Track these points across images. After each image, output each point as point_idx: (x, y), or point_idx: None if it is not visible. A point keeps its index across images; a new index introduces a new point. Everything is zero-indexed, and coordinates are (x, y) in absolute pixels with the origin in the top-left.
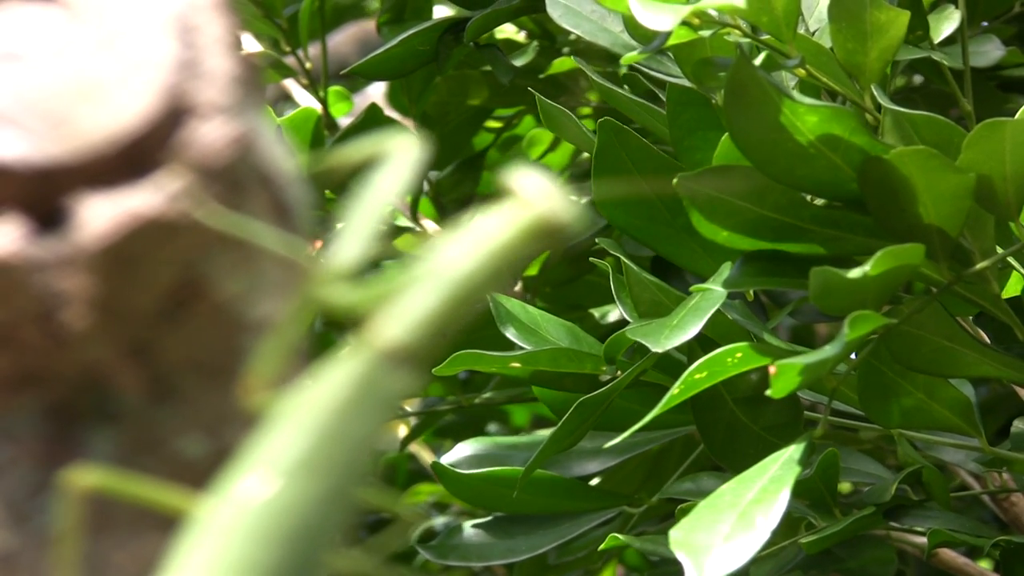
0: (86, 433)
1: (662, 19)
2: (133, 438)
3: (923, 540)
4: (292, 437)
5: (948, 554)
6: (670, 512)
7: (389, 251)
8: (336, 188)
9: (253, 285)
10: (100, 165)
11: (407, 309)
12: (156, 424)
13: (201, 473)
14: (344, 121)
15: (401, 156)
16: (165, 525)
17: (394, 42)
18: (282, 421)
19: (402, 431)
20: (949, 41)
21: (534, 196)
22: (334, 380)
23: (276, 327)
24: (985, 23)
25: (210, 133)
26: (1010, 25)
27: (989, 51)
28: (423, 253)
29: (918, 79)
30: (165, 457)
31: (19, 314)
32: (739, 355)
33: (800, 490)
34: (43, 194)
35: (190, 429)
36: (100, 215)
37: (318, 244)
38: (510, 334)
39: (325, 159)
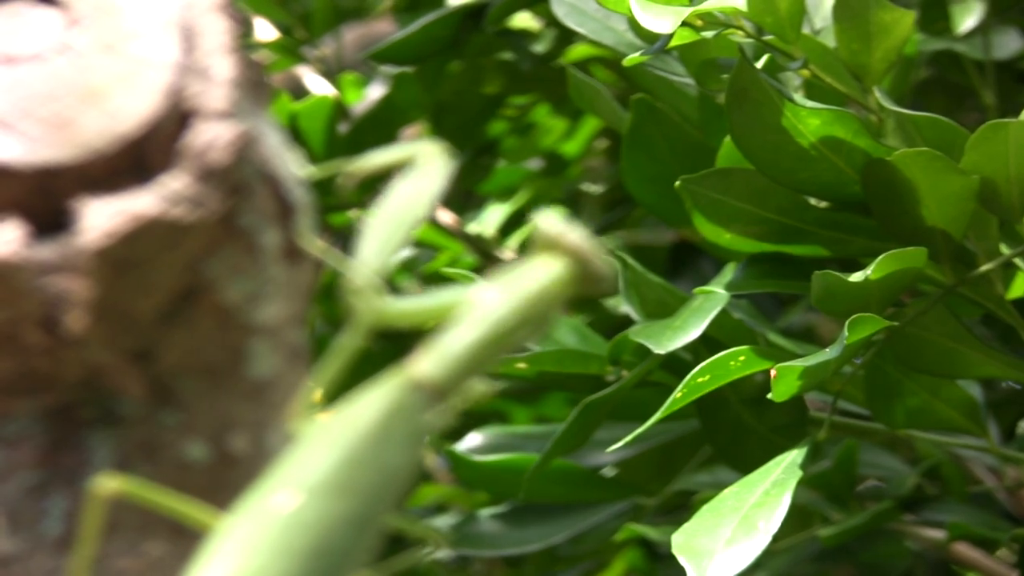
0: (87, 437)
1: (662, 21)
2: (134, 442)
3: (935, 534)
4: (319, 457)
5: (961, 547)
6: (684, 503)
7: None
8: (362, 188)
9: (257, 288)
10: (102, 167)
11: (444, 347)
12: (158, 428)
13: (203, 478)
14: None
15: (431, 167)
16: (171, 532)
17: (414, 27)
18: (312, 441)
19: None
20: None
21: (569, 246)
22: (366, 406)
23: (333, 351)
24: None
25: (212, 134)
26: (1018, 17)
27: (1008, 43)
28: (463, 290)
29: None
30: (166, 461)
31: (20, 316)
32: (742, 358)
33: (817, 483)
34: (46, 197)
35: (192, 433)
36: (102, 217)
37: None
38: None
39: (353, 163)
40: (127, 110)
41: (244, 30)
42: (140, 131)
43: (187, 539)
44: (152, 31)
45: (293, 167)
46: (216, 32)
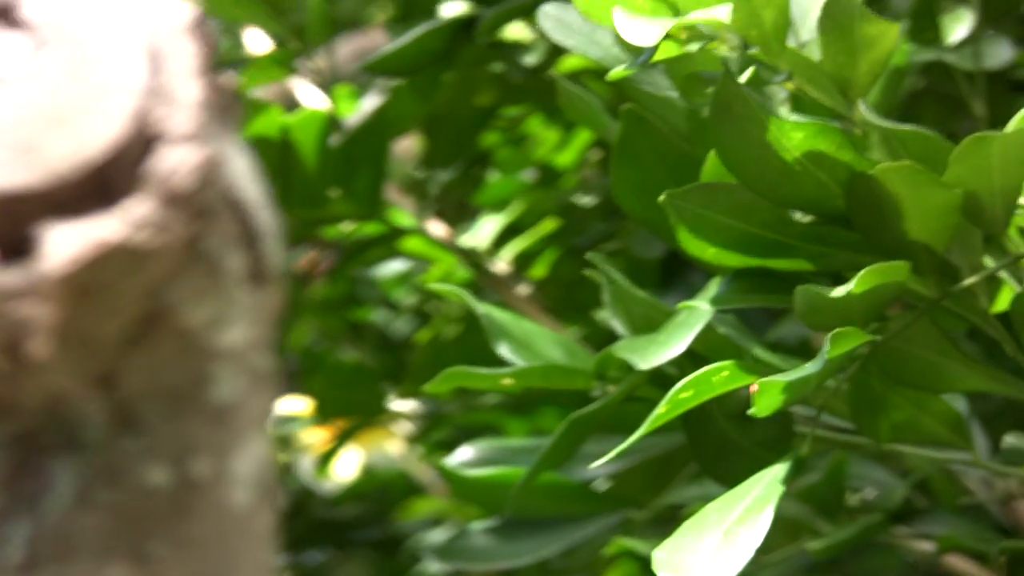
0: (49, 463)
1: (646, 34)
2: (97, 468)
3: (926, 546)
4: None
5: (953, 559)
6: (675, 516)
7: (396, 253)
8: (352, 201)
9: (220, 312)
10: (66, 192)
11: None
12: (120, 454)
13: (164, 503)
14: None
15: None
16: (132, 555)
17: (406, 39)
18: None
19: (393, 445)
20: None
21: None
22: None
23: None
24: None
25: (177, 159)
26: (1015, 26)
27: (999, 53)
28: None
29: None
30: (128, 487)
31: None
32: (725, 373)
33: (807, 496)
34: (10, 222)
35: (154, 458)
36: (65, 243)
37: (311, 257)
38: (503, 351)
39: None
40: (93, 135)
41: (215, 52)
42: (105, 156)
43: (151, 564)
44: (118, 54)
45: (260, 189)
46: (184, 55)
